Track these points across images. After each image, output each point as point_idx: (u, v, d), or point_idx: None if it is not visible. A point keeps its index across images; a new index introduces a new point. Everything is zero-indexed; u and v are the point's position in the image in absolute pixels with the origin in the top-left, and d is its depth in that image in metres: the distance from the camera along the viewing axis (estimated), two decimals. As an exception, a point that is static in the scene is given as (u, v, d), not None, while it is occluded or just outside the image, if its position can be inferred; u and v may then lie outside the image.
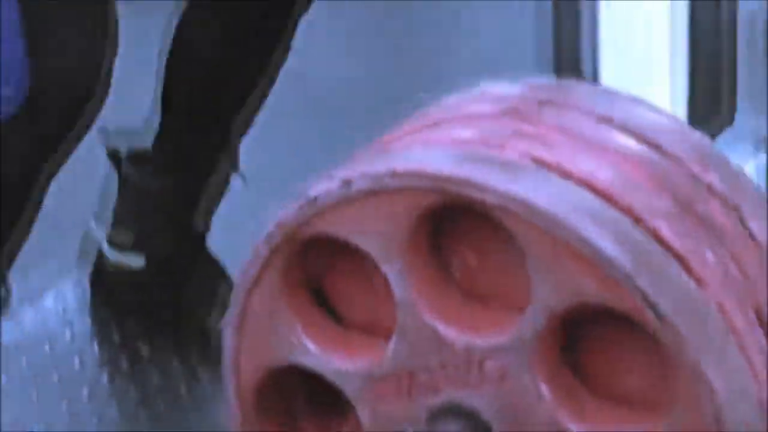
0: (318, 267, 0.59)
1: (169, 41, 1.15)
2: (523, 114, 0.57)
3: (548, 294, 0.51)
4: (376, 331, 0.58)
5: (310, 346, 0.58)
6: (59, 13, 0.93)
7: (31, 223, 1.04)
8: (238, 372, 0.61)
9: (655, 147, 0.57)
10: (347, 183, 0.54)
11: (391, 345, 0.56)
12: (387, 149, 0.58)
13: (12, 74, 0.90)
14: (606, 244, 0.49)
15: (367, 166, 0.55)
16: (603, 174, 0.52)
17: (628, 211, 0.51)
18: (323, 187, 0.55)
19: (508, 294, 0.55)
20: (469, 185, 0.50)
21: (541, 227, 0.49)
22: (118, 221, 1.21)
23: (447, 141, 0.55)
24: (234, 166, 1.19)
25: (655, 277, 0.49)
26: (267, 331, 0.59)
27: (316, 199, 0.55)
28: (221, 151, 1.16)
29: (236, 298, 0.59)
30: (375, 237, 0.54)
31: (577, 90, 0.62)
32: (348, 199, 0.54)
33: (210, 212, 1.21)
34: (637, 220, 0.51)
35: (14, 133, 0.94)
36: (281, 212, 0.56)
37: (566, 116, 0.57)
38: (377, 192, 0.53)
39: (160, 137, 1.18)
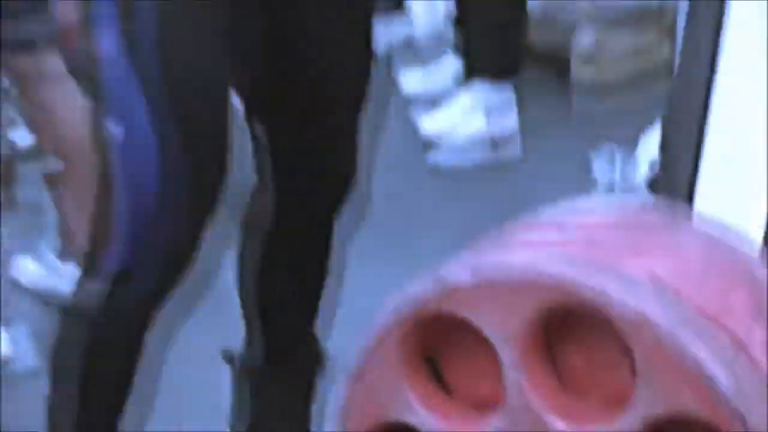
0: (435, 338, 0.65)
1: None
2: (640, 228, 0.64)
3: (649, 399, 0.57)
4: (480, 404, 0.65)
5: (418, 408, 0.64)
6: None
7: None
8: (347, 419, 0.67)
9: (755, 276, 0.63)
10: (478, 270, 0.61)
11: (495, 420, 0.62)
12: (514, 241, 0.65)
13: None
14: (711, 365, 0.54)
15: (497, 256, 0.62)
16: (713, 300, 0.58)
17: (732, 336, 0.57)
18: (455, 270, 0.62)
19: (608, 389, 0.61)
20: (593, 292, 0.56)
21: (654, 339, 0.55)
22: None
23: (574, 244, 0.61)
24: None
25: (752, 401, 0.55)
26: (381, 388, 0.65)
27: (446, 281, 0.62)
28: None
29: (359, 354, 0.66)
30: (497, 324, 0.60)
31: (685, 213, 0.68)
32: (477, 285, 0.60)
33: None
34: (741, 346, 0.57)
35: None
36: (411, 288, 0.63)
37: (679, 237, 0.63)
38: (506, 283, 0.60)
39: None
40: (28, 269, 2.06)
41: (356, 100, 1.22)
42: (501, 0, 2.27)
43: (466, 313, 0.61)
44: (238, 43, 1.10)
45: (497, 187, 2.20)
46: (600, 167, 1.96)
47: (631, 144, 1.90)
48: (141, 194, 1.02)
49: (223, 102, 1.08)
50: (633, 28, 2.45)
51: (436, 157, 2.28)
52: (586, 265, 0.58)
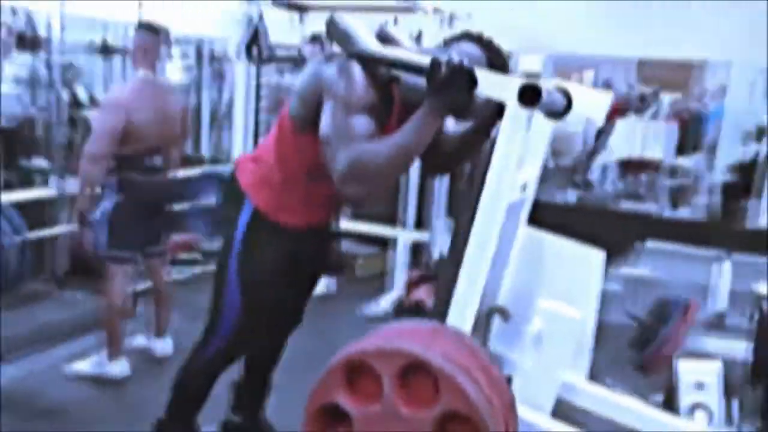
0: (350, 376, 1.41)
1: None
2: (433, 333, 1.41)
3: (445, 401, 1.31)
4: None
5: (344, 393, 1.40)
6: None
7: None
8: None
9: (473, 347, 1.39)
10: (378, 345, 1.37)
11: (376, 408, 1.37)
12: (388, 336, 1.41)
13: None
14: (466, 385, 1.29)
15: (382, 341, 1.37)
16: (464, 359, 1.35)
17: (472, 372, 1.32)
18: (368, 344, 1.38)
19: (426, 399, 1.41)
20: (425, 358, 1.32)
21: (446, 376, 1.31)
22: None
23: (415, 338, 1.37)
24: None
25: (484, 404, 1.29)
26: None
27: (365, 348, 1.37)
28: None
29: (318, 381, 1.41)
30: (385, 368, 1.35)
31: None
32: (377, 351, 1.36)
33: None
34: (476, 377, 1.31)
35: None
36: (346, 349, 1.38)
37: (446, 336, 1.41)
38: (388, 351, 1.36)
39: None
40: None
41: None
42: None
43: (371, 361, 1.36)
44: None
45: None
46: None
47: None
48: None
49: None
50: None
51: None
52: (423, 348, 1.33)
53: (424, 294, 4.63)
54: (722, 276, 3.37)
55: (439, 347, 1.45)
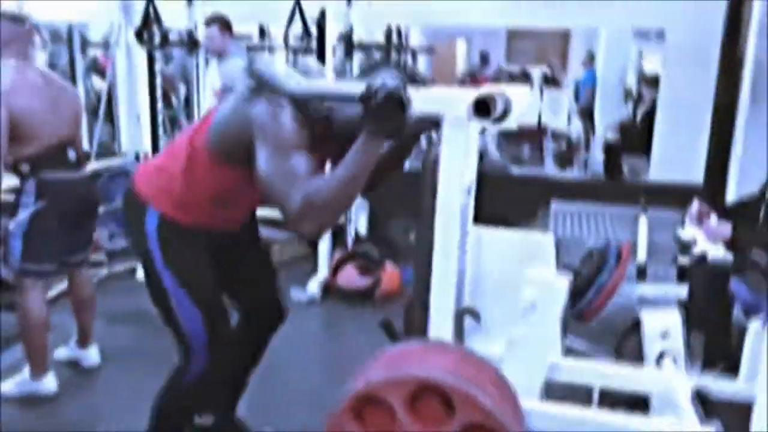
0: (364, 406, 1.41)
1: None
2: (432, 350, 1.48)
3: (462, 416, 1.39)
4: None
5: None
6: None
7: None
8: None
9: (481, 363, 1.46)
10: (389, 375, 1.38)
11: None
12: (395, 363, 1.46)
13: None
14: (482, 398, 1.34)
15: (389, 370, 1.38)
16: (471, 372, 1.45)
17: (484, 386, 1.39)
18: (374, 375, 1.39)
19: (437, 419, 1.52)
20: (436, 380, 1.35)
21: (459, 392, 1.35)
22: None
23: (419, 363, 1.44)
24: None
25: (505, 413, 1.33)
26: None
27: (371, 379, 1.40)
28: None
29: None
30: (394, 395, 1.37)
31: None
32: (387, 381, 1.38)
33: None
34: (488, 390, 1.36)
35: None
36: (353, 384, 1.38)
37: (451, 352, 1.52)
38: (397, 377, 1.42)
39: None
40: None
41: None
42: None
43: (379, 393, 1.38)
44: None
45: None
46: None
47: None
48: None
49: None
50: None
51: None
52: (427, 370, 1.40)
53: (349, 275, 4.65)
54: (640, 230, 3.59)
55: (441, 365, 1.51)
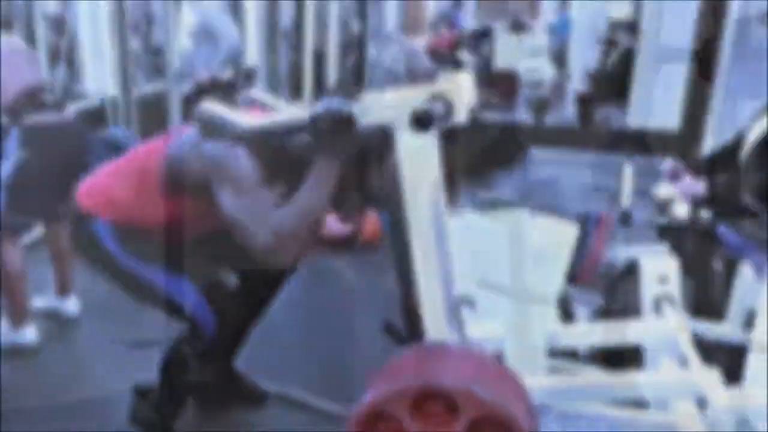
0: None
1: None
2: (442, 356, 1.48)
3: (466, 411, 1.43)
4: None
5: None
6: None
7: None
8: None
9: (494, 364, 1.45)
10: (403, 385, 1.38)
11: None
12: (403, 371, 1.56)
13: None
14: (484, 395, 1.45)
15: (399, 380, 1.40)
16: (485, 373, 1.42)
17: (495, 386, 1.42)
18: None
19: (443, 419, 1.52)
20: (441, 384, 1.36)
21: (465, 394, 1.40)
22: None
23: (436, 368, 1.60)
24: None
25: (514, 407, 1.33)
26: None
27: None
28: None
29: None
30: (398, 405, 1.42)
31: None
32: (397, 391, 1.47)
33: None
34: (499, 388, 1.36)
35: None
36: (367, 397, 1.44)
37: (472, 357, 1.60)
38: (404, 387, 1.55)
39: None
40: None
41: None
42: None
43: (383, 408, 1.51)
44: None
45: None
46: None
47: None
48: None
49: None
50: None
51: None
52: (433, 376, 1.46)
53: (329, 223, 4.58)
54: (624, 178, 3.62)
55: (440, 368, 1.56)
